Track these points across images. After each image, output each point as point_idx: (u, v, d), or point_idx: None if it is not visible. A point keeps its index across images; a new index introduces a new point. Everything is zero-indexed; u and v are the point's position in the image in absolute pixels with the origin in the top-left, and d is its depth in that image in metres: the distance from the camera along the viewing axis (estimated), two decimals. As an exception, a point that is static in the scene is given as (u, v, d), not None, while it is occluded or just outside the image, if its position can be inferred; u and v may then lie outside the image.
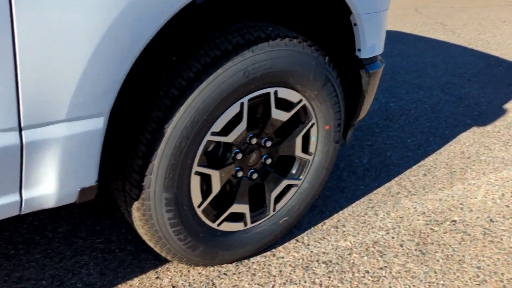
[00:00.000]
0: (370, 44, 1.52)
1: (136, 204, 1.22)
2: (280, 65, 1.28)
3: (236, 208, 1.42)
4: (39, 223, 1.68)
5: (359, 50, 1.51)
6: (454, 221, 1.82)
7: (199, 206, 1.32)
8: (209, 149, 1.33)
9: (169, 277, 1.46)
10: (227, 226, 1.43)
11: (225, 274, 1.49)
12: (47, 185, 1.00)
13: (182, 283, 1.44)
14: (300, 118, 1.48)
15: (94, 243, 1.60)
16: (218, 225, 1.40)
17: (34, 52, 0.86)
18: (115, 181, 1.26)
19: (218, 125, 1.24)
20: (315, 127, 1.50)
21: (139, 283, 1.43)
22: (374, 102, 2.88)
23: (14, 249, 1.56)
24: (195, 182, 1.27)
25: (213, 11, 1.38)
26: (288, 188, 1.55)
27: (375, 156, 2.27)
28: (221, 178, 1.34)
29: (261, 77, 1.25)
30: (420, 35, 4.54)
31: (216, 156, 1.36)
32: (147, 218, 1.23)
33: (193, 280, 1.45)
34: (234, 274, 1.49)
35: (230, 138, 1.29)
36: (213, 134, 1.25)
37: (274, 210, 1.54)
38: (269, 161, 1.46)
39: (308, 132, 1.50)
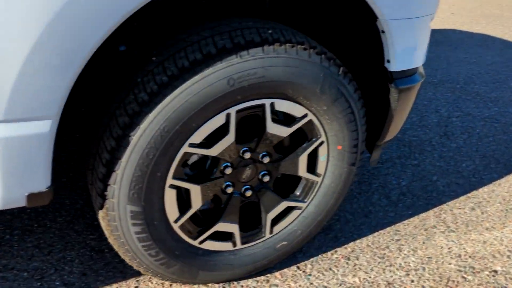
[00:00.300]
0: (403, 55, 1.28)
1: (101, 213, 1.12)
2: (276, 75, 1.10)
3: (222, 226, 1.28)
4: (42, 210, 1.67)
5: (388, 61, 1.28)
6: (495, 271, 1.52)
7: (176, 221, 1.20)
8: (191, 161, 1.19)
9: (147, 289, 1.36)
10: (211, 245, 1.30)
11: (208, 295, 1.36)
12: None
13: (158, 299, 1.34)
14: (306, 135, 1.29)
15: (86, 239, 1.55)
16: (200, 243, 1.27)
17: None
18: (88, 185, 1.18)
19: (197, 137, 1.10)
20: (324, 146, 1.30)
21: (115, 291, 1.36)
22: (433, 115, 2.56)
23: (10, 234, 1.55)
24: (170, 196, 1.15)
25: (218, 8, 1.24)
26: (289, 210, 1.38)
27: (417, 179, 2.00)
28: (204, 193, 1.21)
29: (251, 87, 1.08)
30: (511, 41, 4.01)
31: (203, 169, 1.22)
32: (113, 229, 1.13)
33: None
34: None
35: (214, 151, 1.15)
36: (192, 145, 1.11)
37: (270, 232, 1.38)
38: (266, 178, 1.30)
39: (316, 151, 1.31)
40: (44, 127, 0.90)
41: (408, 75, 1.35)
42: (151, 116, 1.02)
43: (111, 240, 1.18)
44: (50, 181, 0.99)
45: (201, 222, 1.29)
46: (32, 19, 0.80)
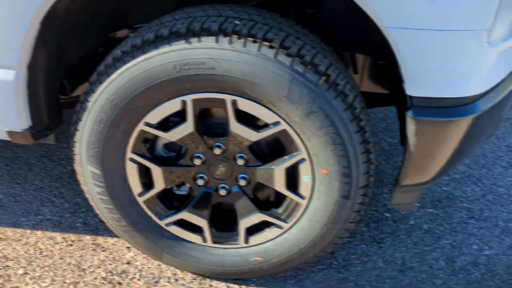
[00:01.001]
0: (422, 77, 1.00)
1: (74, 164, 1.25)
2: (230, 70, 1.00)
3: (188, 216, 1.26)
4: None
5: (403, 81, 1.02)
6: None
7: (140, 195, 1.24)
8: (162, 143, 1.20)
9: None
10: (178, 232, 1.29)
11: (176, 280, 1.37)
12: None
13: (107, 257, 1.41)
14: (285, 147, 1.14)
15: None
16: (167, 225, 1.28)
17: None
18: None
19: (152, 118, 1.11)
20: (306, 165, 1.13)
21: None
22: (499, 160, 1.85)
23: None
24: (131, 169, 1.20)
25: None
26: (268, 225, 1.25)
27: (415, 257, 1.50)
28: (168, 177, 1.21)
29: (200, 77, 1.02)
30: None
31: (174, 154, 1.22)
32: (82, 183, 1.25)
33: (120, 259, 1.40)
34: (183, 283, 1.35)
35: (172, 136, 1.14)
36: (148, 125, 1.12)
37: (246, 242, 1.28)
38: (242, 182, 1.20)
39: (297, 168, 1.15)
40: (9, 76, 1.07)
41: (439, 105, 1.03)
42: (103, 86, 1.07)
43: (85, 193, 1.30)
44: (28, 124, 1.16)
45: (173, 207, 1.29)
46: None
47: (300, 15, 1.26)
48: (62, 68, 1.21)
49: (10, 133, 1.17)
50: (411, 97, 1.02)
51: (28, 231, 1.51)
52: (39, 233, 1.51)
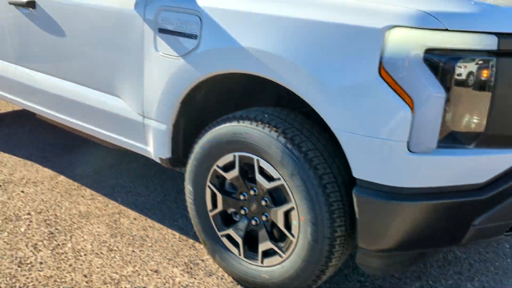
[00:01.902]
0: (361, 163, 1.52)
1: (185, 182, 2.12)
2: (255, 140, 1.72)
3: (232, 233, 1.96)
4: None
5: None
6: None
7: (210, 211, 2.02)
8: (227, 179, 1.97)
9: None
10: (226, 242, 1.99)
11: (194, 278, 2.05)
12: (153, 146, 2.16)
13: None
14: (285, 196, 1.75)
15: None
16: (221, 236, 2.01)
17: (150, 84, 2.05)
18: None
19: (220, 162, 1.89)
20: (295, 212, 1.71)
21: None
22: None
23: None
24: (208, 192, 1.99)
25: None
26: (272, 252, 1.84)
27: None
28: (225, 202, 1.96)
29: (241, 142, 1.77)
30: None
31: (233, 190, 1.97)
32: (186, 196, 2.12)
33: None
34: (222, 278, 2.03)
35: (228, 175, 1.90)
36: (217, 167, 1.92)
37: (261, 262, 1.89)
38: (264, 217, 1.86)
39: (289, 213, 1.74)
40: (163, 127, 2.05)
41: (375, 188, 1.51)
42: (201, 140, 1.94)
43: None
44: (169, 155, 2.11)
45: (227, 224, 2.01)
46: (162, 77, 1.97)
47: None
48: (193, 128, 2.12)
49: (160, 158, 2.14)
50: (355, 177, 1.53)
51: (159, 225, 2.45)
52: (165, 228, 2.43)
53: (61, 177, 2.99)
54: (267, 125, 1.70)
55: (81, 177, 2.99)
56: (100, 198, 2.73)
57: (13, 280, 1.97)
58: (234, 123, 1.79)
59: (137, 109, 2.13)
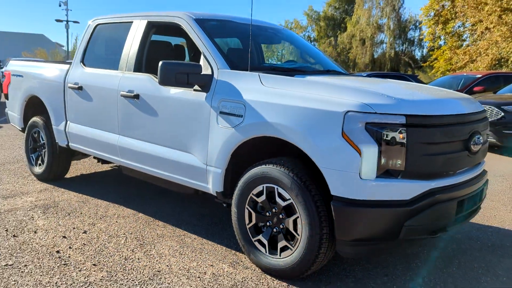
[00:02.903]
0: (335, 184, 2.69)
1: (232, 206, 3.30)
2: (274, 176, 2.92)
3: (261, 238, 3.09)
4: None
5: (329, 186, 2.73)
6: None
7: (247, 224, 3.17)
8: (260, 203, 3.14)
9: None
10: (257, 244, 3.11)
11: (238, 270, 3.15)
12: (211, 184, 3.39)
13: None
14: (294, 210, 2.90)
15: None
16: (254, 241, 3.14)
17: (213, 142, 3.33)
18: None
19: (254, 191, 3.09)
20: (299, 219, 2.85)
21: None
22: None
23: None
24: (246, 212, 3.16)
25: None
26: (286, 247, 2.96)
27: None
28: (257, 218, 3.11)
29: (266, 176, 2.97)
30: None
31: (263, 210, 3.13)
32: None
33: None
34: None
35: (259, 200, 3.08)
36: (253, 194, 3.10)
37: (279, 255, 3.00)
38: (281, 225, 3.00)
39: (296, 220, 2.88)
40: (219, 171, 3.29)
41: (343, 200, 2.65)
42: (245, 176, 3.15)
43: (233, 223, 3.32)
44: (222, 190, 3.32)
45: (258, 233, 3.15)
46: (220, 140, 3.24)
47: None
48: (238, 170, 3.33)
49: (216, 192, 3.35)
50: (332, 195, 2.69)
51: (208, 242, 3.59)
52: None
53: (140, 214, 4.22)
54: (282, 167, 2.91)
55: (155, 214, 4.21)
56: (169, 226, 3.92)
57: (124, 267, 3.13)
58: (263, 166, 3.00)
59: (203, 160, 3.38)
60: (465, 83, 11.75)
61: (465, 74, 12.84)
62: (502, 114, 8.36)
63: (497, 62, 19.59)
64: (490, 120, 8.42)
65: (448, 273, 3.18)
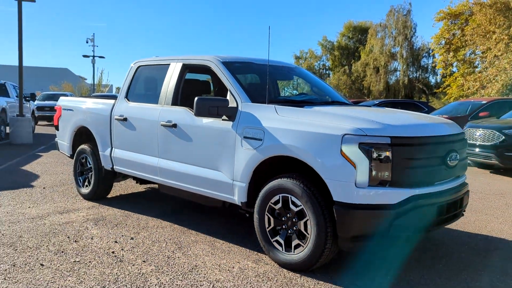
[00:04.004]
0: (337, 191, 3.42)
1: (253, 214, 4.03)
2: (288, 188, 3.66)
3: (278, 239, 3.80)
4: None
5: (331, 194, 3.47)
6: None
7: (267, 228, 3.89)
8: (277, 210, 3.86)
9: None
10: (275, 244, 3.83)
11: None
12: (237, 196, 4.14)
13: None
14: (304, 215, 3.62)
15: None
16: (273, 241, 3.85)
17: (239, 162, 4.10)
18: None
19: (272, 200, 3.82)
20: (309, 221, 3.57)
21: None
22: None
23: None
24: (266, 218, 3.89)
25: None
26: (298, 245, 3.67)
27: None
28: (275, 222, 3.84)
29: (282, 187, 3.72)
30: None
31: (280, 215, 3.86)
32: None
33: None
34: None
35: (276, 207, 3.81)
36: (271, 203, 3.84)
37: (293, 252, 3.71)
38: (295, 228, 3.71)
39: (306, 222, 3.60)
40: (243, 184, 4.04)
41: (342, 205, 3.38)
42: (265, 188, 3.89)
43: (255, 228, 4.04)
44: (245, 200, 4.07)
45: (276, 234, 3.87)
46: (244, 159, 4.01)
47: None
48: (259, 183, 4.07)
49: (241, 202, 4.10)
50: (334, 200, 3.41)
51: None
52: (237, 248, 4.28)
53: (176, 225, 4.98)
54: (294, 180, 3.65)
55: (188, 225, 4.97)
56: (201, 234, 4.66)
57: (168, 262, 3.87)
58: (279, 180, 3.75)
59: (230, 176, 4.14)
60: (472, 108, 12.37)
61: (472, 100, 13.48)
62: (503, 137, 8.94)
63: (507, 88, 20.15)
64: (492, 143, 9.04)
65: (435, 269, 3.83)
